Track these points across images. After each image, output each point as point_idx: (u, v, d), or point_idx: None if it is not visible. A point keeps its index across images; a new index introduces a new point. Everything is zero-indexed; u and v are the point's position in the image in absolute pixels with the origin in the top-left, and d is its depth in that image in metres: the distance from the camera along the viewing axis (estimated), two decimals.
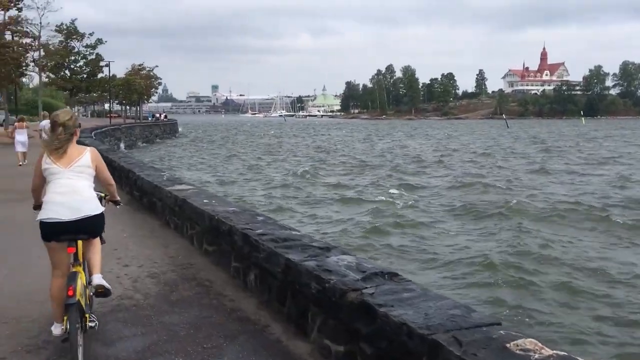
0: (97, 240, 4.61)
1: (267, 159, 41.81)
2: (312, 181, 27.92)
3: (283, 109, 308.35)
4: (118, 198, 5.16)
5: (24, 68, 35.86)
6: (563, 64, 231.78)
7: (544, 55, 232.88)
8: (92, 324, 4.46)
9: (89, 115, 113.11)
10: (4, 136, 23.09)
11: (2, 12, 30.80)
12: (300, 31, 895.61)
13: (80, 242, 4.43)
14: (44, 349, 4.45)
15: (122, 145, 39.97)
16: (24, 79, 42.61)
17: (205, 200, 7.52)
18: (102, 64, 55.72)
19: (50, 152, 4.43)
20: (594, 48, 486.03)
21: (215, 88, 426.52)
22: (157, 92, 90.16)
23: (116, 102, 73.77)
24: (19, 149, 20.20)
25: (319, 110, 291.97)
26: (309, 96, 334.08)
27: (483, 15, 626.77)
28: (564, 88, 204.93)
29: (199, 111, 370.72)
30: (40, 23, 43.61)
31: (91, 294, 4.58)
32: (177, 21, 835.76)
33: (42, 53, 46.91)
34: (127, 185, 12.30)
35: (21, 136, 20.37)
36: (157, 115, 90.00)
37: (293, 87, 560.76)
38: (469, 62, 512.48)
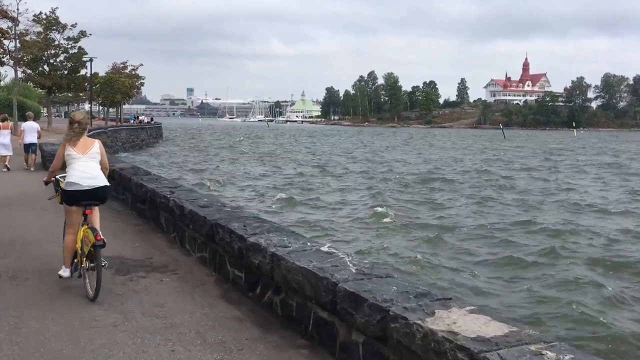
0: (98, 208, 6.22)
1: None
2: None
3: (262, 114, 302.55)
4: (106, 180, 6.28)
5: (0, 56, 29.61)
6: (545, 74, 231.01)
7: (526, 66, 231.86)
8: (104, 263, 5.70)
9: (63, 116, 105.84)
10: None
11: None
12: (275, 37, 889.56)
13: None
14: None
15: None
16: None
17: None
18: (84, 59, 49.56)
19: (69, 142, 6.06)
20: (565, 60, 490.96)
21: (190, 91, 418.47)
22: (139, 93, 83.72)
23: (96, 102, 67.22)
24: (2, 152, 18.37)
25: (297, 116, 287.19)
26: (286, 102, 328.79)
27: (452, 26, 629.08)
28: (547, 99, 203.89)
29: (173, 114, 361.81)
30: (18, 9, 37.61)
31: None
32: (149, 24, 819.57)
33: (18, 44, 40.78)
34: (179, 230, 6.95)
35: (4, 138, 18.40)
36: (142, 117, 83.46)
37: (269, 92, 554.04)
38: (441, 72, 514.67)
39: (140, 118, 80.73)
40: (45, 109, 73.54)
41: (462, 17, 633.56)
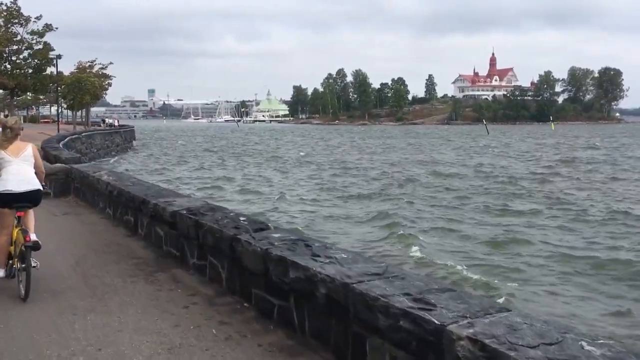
0: (32, 210, 6.33)
1: None
2: None
3: (228, 114, 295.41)
4: (44, 183, 6.60)
5: None
6: (512, 69, 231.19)
7: (492, 61, 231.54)
8: (35, 265, 5.94)
9: (22, 120, 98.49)
10: None
11: None
12: (230, 34, 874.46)
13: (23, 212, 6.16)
14: None
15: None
16: None
17: None
18: (50, 56, 43.74)
19: (1, 146, 6.18)
20: (523, 54, 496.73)
21: (151, 92, 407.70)
22: (106, 94, 77.36)
23: (63, 105, 60.97)
24: None
25: (263, 115, 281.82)
26: (250, 101, 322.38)
27: (406, 21, 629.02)
28: (517, 93, 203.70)
29: (135, 116, 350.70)
30: None
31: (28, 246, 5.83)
32: (100, 22, 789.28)
33: None
34: None
35: None
36: (111, 120, 77.05)
37: (231, 91, 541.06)
38: (397, 66, 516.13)
39: (109, 121, 74.40)
40: (3, 114, 66.82)
41: (415, 12, 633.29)
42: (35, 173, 6.35)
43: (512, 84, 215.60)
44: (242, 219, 6.29)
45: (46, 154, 21.06)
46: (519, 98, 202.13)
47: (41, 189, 6.30)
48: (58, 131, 46.06)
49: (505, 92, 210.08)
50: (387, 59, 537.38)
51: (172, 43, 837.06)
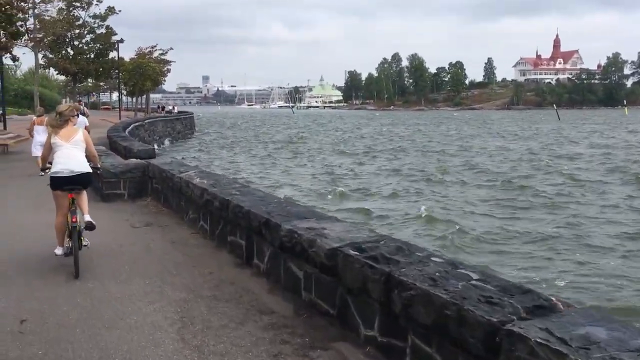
0: (85, 191, 6.65)
1: None
2: None
3: (281, 100, 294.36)
4: (99, 165, 7.32)
5: (17, 27, 21.81)
6: (577, 51, 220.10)
7: (556, 43, 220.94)
8: (86, 244, 6.51)
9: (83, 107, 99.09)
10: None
11: None
12: (277, 22, 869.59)
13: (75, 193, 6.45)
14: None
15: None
16: (10, 60, 27.79)
17: None
18: (112, 40, 42.32)
19: (54, 132, 6.52)
20: (577, 37, 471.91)
21: (206, 79, 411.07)
22: (165, 80, 76.32)
23: (124, 91, 60.08)
24: (39, 152, 13.22)
25: (316, 101, 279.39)
26: (303, 87, 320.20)
27: (453, 7, 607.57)
28: (584, 76, 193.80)
29: (189, 102, 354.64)
30: None
31: (82, 227, 6.37)
32: (149, 11, 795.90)
33: (37, 24, 33.65)
34: None
35: (41, 136, 14.15)
36: (170, 107, 76.06)
37: (282, 78, 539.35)
38: (450, 53, 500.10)
39: (169, 108, 73.38)
40: (65, 101, 66.67)
41: None
42: (87, 156, 6.63)
43: (578, 67, 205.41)
44: (474, 277, 3.66)
45: (114, 144, 19.12)
46: (585, 82, 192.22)
47: (90, 171, 6.62)
48: (120, 118, 44.83)
49: (570, 75, 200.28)
50: (434, 45, 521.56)
51: (223, 32, 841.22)
